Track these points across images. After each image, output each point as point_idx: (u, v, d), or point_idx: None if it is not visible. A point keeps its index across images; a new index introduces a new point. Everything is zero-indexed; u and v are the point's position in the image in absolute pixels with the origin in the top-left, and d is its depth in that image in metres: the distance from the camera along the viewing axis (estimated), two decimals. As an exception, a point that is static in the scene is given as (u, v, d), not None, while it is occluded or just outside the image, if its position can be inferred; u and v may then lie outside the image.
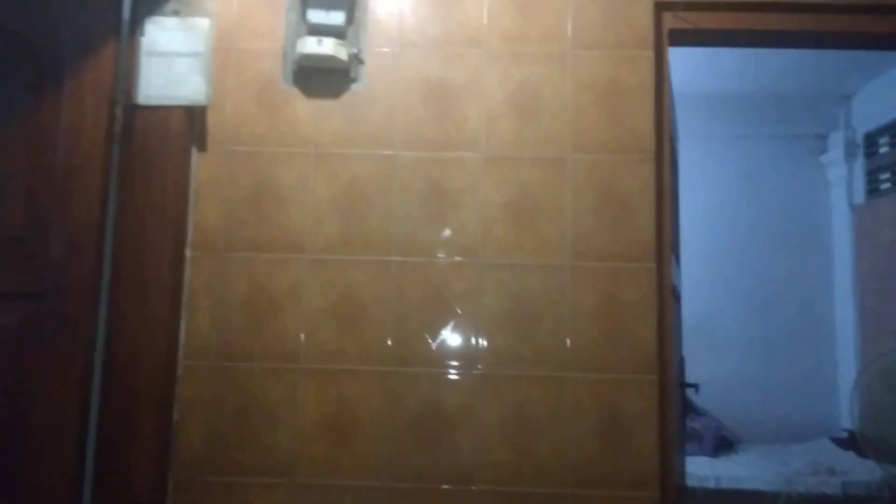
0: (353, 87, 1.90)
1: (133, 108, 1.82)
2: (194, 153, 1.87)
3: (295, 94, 1.89)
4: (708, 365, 3.81)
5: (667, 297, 1.85)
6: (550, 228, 1.83)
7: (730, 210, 4.56)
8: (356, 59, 1.89)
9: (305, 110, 1.89)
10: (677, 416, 1.91)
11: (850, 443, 3.80)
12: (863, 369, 3.21)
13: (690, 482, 3.30)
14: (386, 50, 1.91)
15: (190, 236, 1.85)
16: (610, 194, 1.84)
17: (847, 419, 4.02)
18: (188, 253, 1.84)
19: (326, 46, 1.81)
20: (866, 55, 3.48)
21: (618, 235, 1.83)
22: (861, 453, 3.38)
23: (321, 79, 1.89)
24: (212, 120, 1.89)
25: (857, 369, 3.89)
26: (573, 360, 1.79)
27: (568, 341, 1.79)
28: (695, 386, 2.41)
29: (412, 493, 1.75)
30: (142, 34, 1.85)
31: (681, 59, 2.42)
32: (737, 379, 4.33)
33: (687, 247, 2.63)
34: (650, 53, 1.88)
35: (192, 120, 1.86)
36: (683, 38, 1.98)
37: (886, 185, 4.17)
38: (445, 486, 1.75)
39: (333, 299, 1.82)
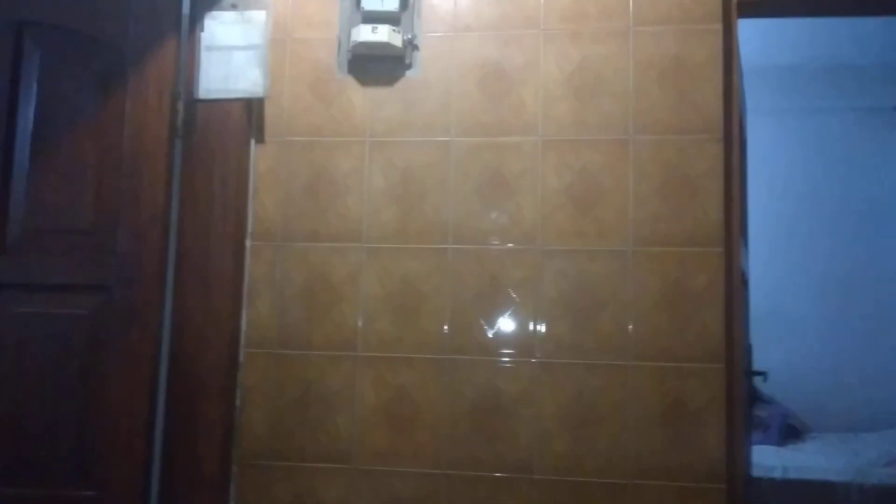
0: (408, 73, 1.88)
1: (194, 103, 1.86)
2: (253, 145, 1.90)
3: (350, 83, 1.89)
4: (777, 351, 3.66)
5: (735, 283, 1.78)
6: (612, 213, 1.78)
7: (801, 189, 4.34)
8: (411, 46, 1.86)
9: (360, 98, 1.88)
10: (744, 406, 1.84)
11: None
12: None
13: (756, 472, 3.19)
14: (440, 35, 1.88)
15: (250, 227, 1.88)
16: (675, 177, 1.77)
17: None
18: (248, 243, 1.87)
19: (381, 33, 1.79)
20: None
21: (684, 219, 1.76)
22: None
23: (376, 66, 1.87)
24: (269, 111, 1.90)
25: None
26: (635, 348, 1.74)
27: (630, 328, 1.75)
28: (763, 374, 2.32)
29: (470, 481, 1.75)
30: (201, 29, 1.88)
31: (747, 31, 2.30)
32: (807, 366, 4.16)
33: (756, 229, 2.52)
34: (718, 27, 1.79)
35: (251, 112, 1.88)
36: (753, 9, 1.88)
37: (974, 159, 3.89)
38: (502, 475, 1.74)
39: (390, 287, 1.82)
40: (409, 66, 1.87)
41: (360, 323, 1.83)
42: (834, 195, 4.34)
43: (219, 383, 1.80)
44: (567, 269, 1.78)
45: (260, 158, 1.90)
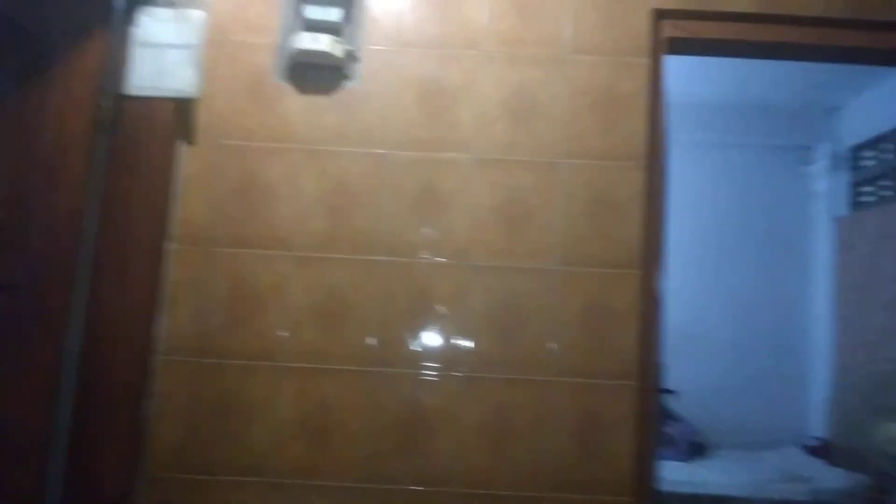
0: (348, 84, 1.87)
1: (122, 99, 1.79)
2: (182, 146, 1.84)
3: (287, 90, 1.87)
4: (686, 371, 3.83)
5: (650, 305, 1.86)
6: (541, 233, 1.83)
7: (714, 218, 4.59)
8: (351, 57, 1.86)
9: (297, 106, 1.86)
10: (655, 422, 1.92)
11: (820, 451, 3.86)
12: (837, 380, 3.26)
13: (663, 487, 3.33)
14: (382, 48, 1.88)
15: (173, 229, 1.82)
16: (601, 200, 1.84)
17: (816, 428, 4.09)
18: (170, 246, 1.81)
19: (322, 43, 1.78)
20: (855, 69, 3.51)
21: (607, 242, 1.83)
22: (831, 461, 3.44)
23: (315, 75, 1.86)
24: (201, 113, 1.85)
25: (829, 380, 3.94)
26: (556, 365, 1.79)
27: (553, 346, 1.80)
28: (673, 392, 2.43)
29: (387, 495, 1.75)
30: (135, 25, 1.81)
31: (673, 67, 2.43)
32: (713, 385, 4.37)
33: (672, 253, 2.64)
34: (647, 61, 1.88)
35: (181, 112, 1.83)
36: (681, 46, 1.98)
37: (870, 199, 4.22)
38: (420, 489, 1.75)
39: (317, 298, 1.81)
40: (348, 77, 1.87)
41: (284, 333, 1.80)
42: (744, 225, 4.61)
43: (129, 392, 1.72)
44: (495, 285, 1.82)
45: (189, 160, 1.84)
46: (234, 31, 1.88)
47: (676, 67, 3.31)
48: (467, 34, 1.89)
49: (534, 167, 1.85)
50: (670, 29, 1.92)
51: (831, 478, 3.50)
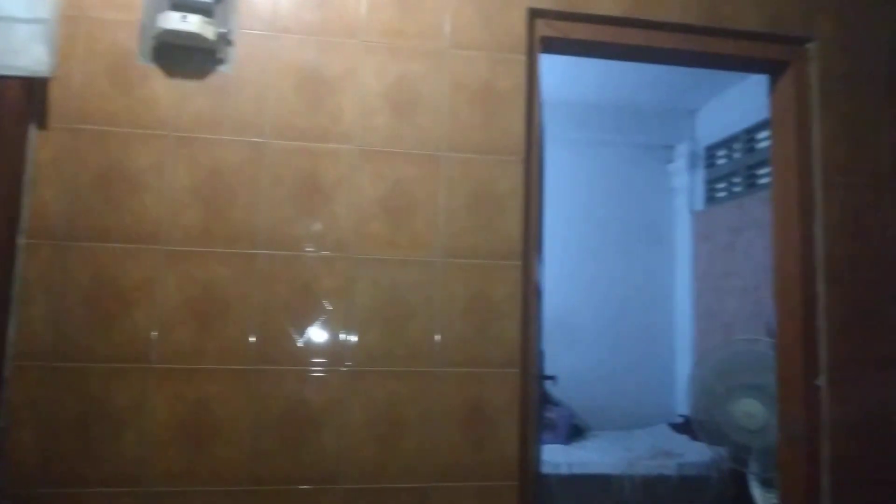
0: (221, 68, 1.78)
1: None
2: (33, 130, 1.67)
3: (154, 72, 1.75)
4: (564, 358, 4.03)
5: (531, 294, 1.93)
6: (424, 225, 1.84)
7: (587, 212, 4.84)
8: (224, 40, 1.78)
9: (165, 90, 1.75)
10: (537, 408, 1.99)
11: (684, 427, 4.19)
12: (697, 361, 3.54)
13: (545, 469, 3.48)
14: (258, 33, 1.81)
15: (25, 222, 1.65)
16: (482, 193, 1.88)
17: (683, 406, 4.43)
18: (21, 240, 1.64)
19: (192, 23, 1.68)
20: (710, 74, 3.81)
21: (488, 234, 1.87)
22: (693, 437, 3.73)
23: (185, 57, 1.76)
24: (56, 95, 1.69)
25: (692, 362, 4.28)
26: (442, 356, 1.81)
27: (437, 337, 1.81)
28: (553, 378, 2.53)
29: (272, 496, 1.70)
30: (-25, -5, 1.63)
31: (549, 67, 2.53)
32: (589, 371, 4.62)
33: (549, 246, 2.75)
34: (523, 58, 1.94)
35: (32, 93, 1.67)
36: (554, 45, 2.06)
37: (722, 194, 4.62)
38: (307, 487, 1.71)
39: (192, 294, 1.71)
40: (221, 62, 1.78)
41: (154, 333, 1.68)
42: (614, 219, 4.90)
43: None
44: (379, 277, 1.80)
45: (42, 146, 1.68)
46: (92, 6, 1.74)
47: (553, 67, 3.46)
48: (347, 22, 1.86)
49: (416, 159, 1.85)
50: (544, 28, 2.00)
51: (695, 452, 3.80)
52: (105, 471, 1.64)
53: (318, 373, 1.75)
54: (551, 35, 2.00)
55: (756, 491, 3.15)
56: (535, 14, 1.98)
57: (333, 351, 1.77)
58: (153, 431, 1.66)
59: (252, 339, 1.73)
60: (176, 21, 1.68)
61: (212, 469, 1.68)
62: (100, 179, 1.70)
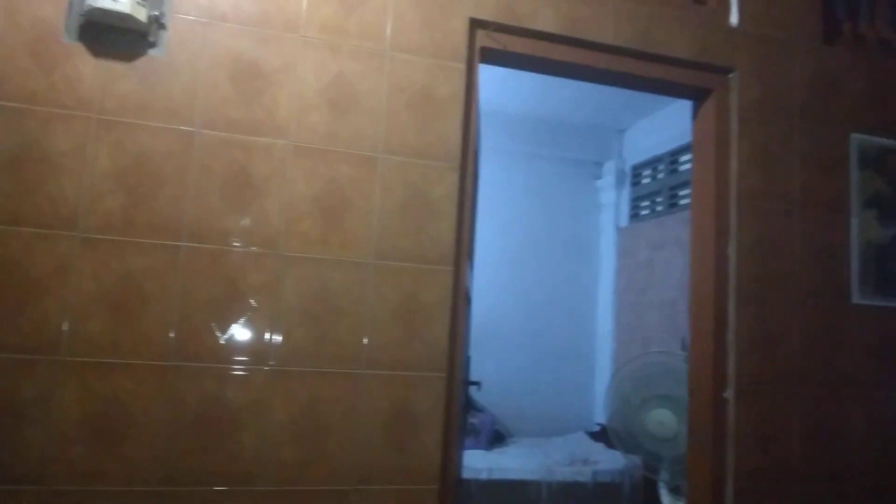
0: (151, 52, 1.72)
1: None
2: (-62, 101, 1.56)
3: (79, 51, 1.67)
4: (488, 364, 4.09)
5: (460, 300, 1.94)
6: (357, 225, 1.83)
7: (517, 222, 4.93)
8: (157, 23, 1.71)
9: (90, 70, 1.67)
10: (461, 413, 2.01)
11: (600, 435, 4.32)
12: (615, 372, 3.67)
13: (466, 474, 3.51)
14: (193, 18, 1.76)
15: (-76, 200, 1.54)
16: (417, 197, 1.88)
17: (600, 415, 4.56)
18: (-80, 219, 1.53)
19: (122, 3, 1.62)
20: (638, 96, 3.96)
21: (421, 238, 1.88)
22: (609, 445, 3.85)
23: (113, 38, 1.68)
24: (-34, 65, 1.59)
25: (611, 372, 4.42)
26: (369, 358, 1.80)
27: (366, 339, 1.80)
28: (478, 384, 2.56)
29: (185, 497, 1.64)
30: None
31: (488, 78, 2.57)
32: (512, 378, 4.70)
33: (478, 253, 2.78)
34: (463, 66, 1.97)
35: (-61, 61, 1.56)
36: (493, 56, 2.09)
37: (645, 212, 4.81)
38: (224, 488, 1.66)
39: (108, 285, 1.64)
40: (152, 45, 1.72)
41: (65, 323, 1.60)
42: (543, 230, 5.01)
43: None
44: (309, 276, 1.78)
45: (-53, 119, 1.57)
46: (13, -23, 1.64)
47: (491, 78, 3.52)
48: (286, 16, 1.83)
49: (352, 159, 1.84)
50: (485, 39, 2.03)
51: (610, 459, 3.92)
52: (9, 467, 1.54)
53: (239, 371, 1.71)
54: (491, 46, 2.04)
55: (666, 499, 3.28)
56: (476, 24, 2.01)
57: (257, 349, 1.73)
58: (60, 427, 1.58)
59: (171, 334, 1.67)
60: (106, 0, 1.61)
61: (122, 468, 1.61)
62: (13, 160, 1.60)
